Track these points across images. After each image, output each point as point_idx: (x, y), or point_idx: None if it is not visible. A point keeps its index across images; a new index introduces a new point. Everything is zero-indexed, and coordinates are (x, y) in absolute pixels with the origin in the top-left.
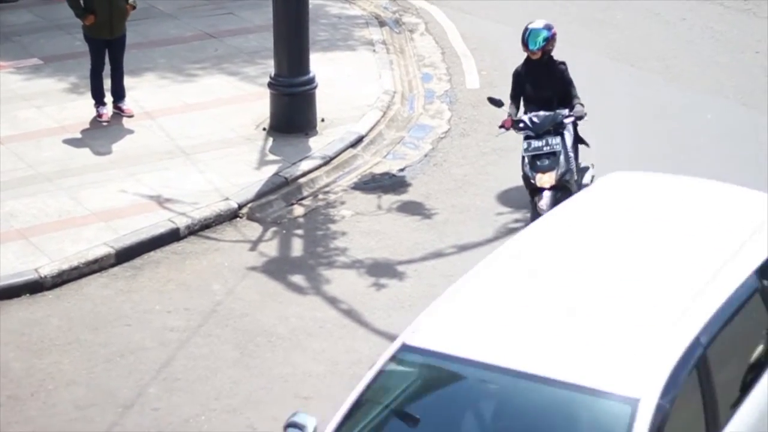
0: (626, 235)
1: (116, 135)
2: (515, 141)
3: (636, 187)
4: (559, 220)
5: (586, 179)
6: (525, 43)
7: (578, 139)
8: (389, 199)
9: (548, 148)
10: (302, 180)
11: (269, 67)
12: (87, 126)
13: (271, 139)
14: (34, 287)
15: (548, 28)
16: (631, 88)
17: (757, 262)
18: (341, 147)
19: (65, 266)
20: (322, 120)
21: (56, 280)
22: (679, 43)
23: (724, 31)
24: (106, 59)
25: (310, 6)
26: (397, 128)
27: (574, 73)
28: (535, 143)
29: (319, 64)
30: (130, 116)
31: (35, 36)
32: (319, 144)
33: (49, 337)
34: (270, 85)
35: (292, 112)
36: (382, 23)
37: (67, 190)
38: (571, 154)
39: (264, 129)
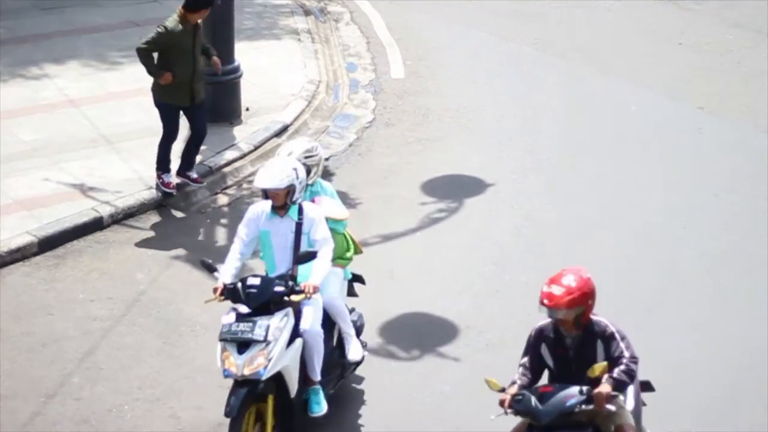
0: None
1: (40, 123)
2: (438, 131)
3: None
4: None
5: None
6: None
7: None
8: None
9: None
10: (227, 169)
11: None
12: (9, 114)
13: None
14: None
15: None
16: (557, 78)
17: None
18: (266, 136)
19: None
20: (247, 109)
21: None
22: (604, 35)
23: (649, 22)
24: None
25: None
26: (322, 117)
27: (501, 65)
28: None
29: (244, 53)
30: (200, 185)
31: None
32: (244, 133)
33: None
34: None
35: (217, 101)
36: (307, 12)
37: None
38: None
39: None
